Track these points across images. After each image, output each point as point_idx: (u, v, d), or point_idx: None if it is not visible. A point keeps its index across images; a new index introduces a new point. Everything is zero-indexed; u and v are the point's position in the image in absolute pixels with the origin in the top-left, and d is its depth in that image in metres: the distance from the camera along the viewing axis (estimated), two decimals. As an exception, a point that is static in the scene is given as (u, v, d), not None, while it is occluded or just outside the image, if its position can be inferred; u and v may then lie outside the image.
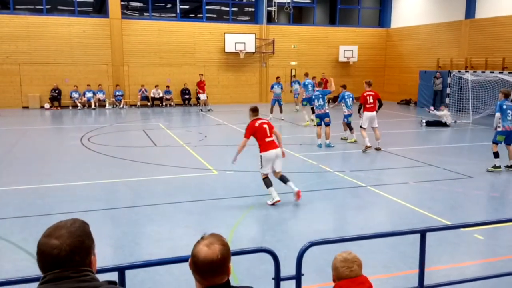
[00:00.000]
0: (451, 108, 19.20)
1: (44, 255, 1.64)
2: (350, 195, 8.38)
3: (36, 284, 1.72)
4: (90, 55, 22.82)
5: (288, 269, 3.82)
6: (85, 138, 13.91)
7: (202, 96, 22.34)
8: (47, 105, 22.10)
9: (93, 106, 22.48)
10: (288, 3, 24.46)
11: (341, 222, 7.25)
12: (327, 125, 12.72)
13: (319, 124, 12.86)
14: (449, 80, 19.55)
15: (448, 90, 19.36)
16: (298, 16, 27.82)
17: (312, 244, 3.45)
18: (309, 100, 16.31)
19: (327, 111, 12.81)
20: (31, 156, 11.55)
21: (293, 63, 26.61)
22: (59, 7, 23.52)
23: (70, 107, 22.40)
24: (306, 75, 19.50)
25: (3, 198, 7.92)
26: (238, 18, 26.67)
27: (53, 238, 1.65)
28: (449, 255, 5.80)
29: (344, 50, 26.77)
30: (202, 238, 1.92)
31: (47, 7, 22.65)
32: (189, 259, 1.90)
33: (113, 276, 2.73)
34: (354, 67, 27.50)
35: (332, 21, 28.09)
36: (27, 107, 22.11)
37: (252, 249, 4.04)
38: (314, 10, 27.22)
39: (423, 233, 3.87)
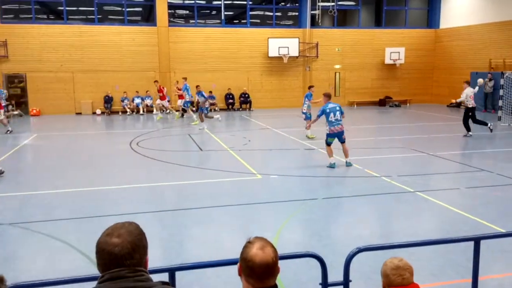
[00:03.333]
0: (505, 111, 18.35)
1: (105, 253, 1.72)
2: (397, 201, 8.18)
3: (92, 283, 1.80)
4: (139, 63, 23.57)
5: (334, 275, 3.78)
6: (134, 142, 14.36)
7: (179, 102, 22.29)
8: (98, 111, 23.00)
9: (141, 112, 23.19)
10: (332, 6, 24.28)
11: (388, 228, 7.09)
12: (343, 142, 10.64)
13: (329, 144, 10.55)
14: (502, 81, 18.71)
15: (501, 92, 18.51)
16: (342, 18, 27.52)
17: (360, 250, 3.40)
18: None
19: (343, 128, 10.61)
20: (84, 160, 12.05)
21: (337, 66, 26.35)
22: (109, 17, 24.47)
23: (120, 113, 23.22)
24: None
25: (57, 200, 8.30)
26: (281, 23, 26.73)
27: (114, 237, 1.73)
28: (503, 264, 5.55)
29: (391, 52, 26.22)
30: (250, 242, 1.96)
31: (98, 16, 23.63)
32: (240, 264, 1.94)
33: (163, 277, 2.81)
34: (401, 69, 26.87)
35: (377, 23, 27.58)
36: (80, 113, 23.10)
37: (299, 253, 4.03)
38: (359, 13, 26.85)
39: (477, 240, 3.73)
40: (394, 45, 26.39)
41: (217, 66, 24.68)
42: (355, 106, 26.54)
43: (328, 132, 10.46)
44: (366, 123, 19.91)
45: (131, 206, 7.83)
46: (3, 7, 22.53)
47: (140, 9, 25.66)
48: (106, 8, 24.25)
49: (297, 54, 25.00)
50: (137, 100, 23.40)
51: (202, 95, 17.96)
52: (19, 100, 22.86)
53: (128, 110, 23.09)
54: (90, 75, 23.08)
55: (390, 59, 26.29)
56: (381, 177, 9.60)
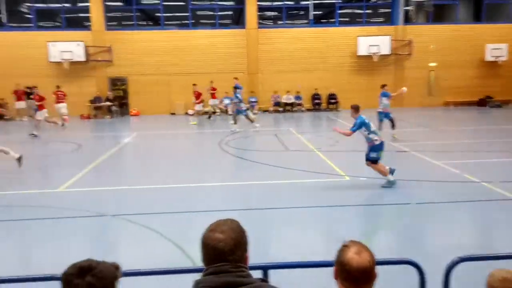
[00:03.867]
0: None
1: (209, 248, 1.81)
2: (500, 209, 7.56)
3: (189, 275, 1.90)
4: (228, 65, 24.31)
5: (431, 284, 3.60)
6: (223, 142, 14.85)
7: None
8: (190, 111, 24.11)
9: (229, 112, 23.87)
10: (428, 0, 23.09)
11: (489, 237, 6.58)
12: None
13: (378, 160, 8.76)
14: None
15: None
16: (438, 14, 26.05)
17: (462, 260, 3.20)
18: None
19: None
20: (177, 157, 12.71)
21: (432, 64, 25.00)
22: (201, 21, 25.55)
23: (209, 113, 24.12)
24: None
25: (154, 194, 8.84)
26: (371, 20, 25.99)
27: (217, 233, 1.82)
28: None
29: (492, 49, 24.32)
30: (346, 245, 1.94)
31: (192, 21, 24.77)
32: (336, 267, 1.93)
33: (255, 275, 2.87)
34: (504, 67, 24.80)
35: (476, 18, 25.72)
36: (174, 114, 24.38)
37: (395, 260, 3.89)
38: (457, 7, 25.24)
39: None
40: (496, 41, 24.45)
41: (305, 67, 24.65)
42: (452, 106, 24.99)
43: (375, 145, 8.65)
44: (464, 125, 18.66)
45: (219, 203, 8.10)
46: (108, 15, 24.50)
47: (230, 12, 26.46)
48: (199, 13, 25.35)
49: (388, 52, 24.15)
50: (226, 101, 24.13)
51: (237, 97, 17.80)
52: (121, 102, 24.71)
53: (218, 110, 23.91)
54: (183, 77, 24.27)
55: (491, 56, 24.39)
56: (481, 183, 8.94)
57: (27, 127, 20.59)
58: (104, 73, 24.46)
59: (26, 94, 23.23)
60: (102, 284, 1.61)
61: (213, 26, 24.94)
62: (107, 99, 23.90)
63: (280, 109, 24.42)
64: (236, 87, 17.62)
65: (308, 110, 24.53)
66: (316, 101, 24.72)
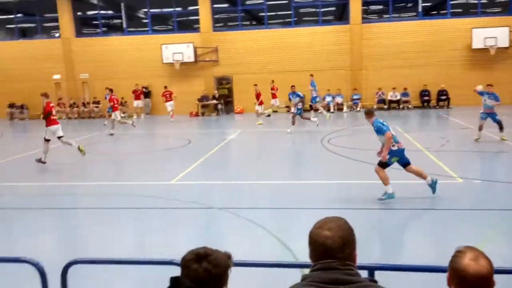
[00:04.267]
0: None
1: (317, 244, 1.85)
2: None
3: (293, 269, 1.95)
4: (330, 61, 24.04)
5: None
6: (325, 140, 14.76)
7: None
8: (293, 109, 24.27)
9: (331, 110, 23.63)
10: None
11: None
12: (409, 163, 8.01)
13: (390, 164, 7.88)
14: None
15: None
16: None
17: None
18: None
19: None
20: (281, 155, 12.93)
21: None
22: (304, 18, 25.59)
23: (312, 111, 24.07)
24: None
25: (258, 190, 9.11)
26: (487, 11, 23.89)
27: (325, 230, 1.84)
28: None
29: None
30: (461, 251, 1.86)
31: (294, 19, 24.94)
32: (449, 273, 1.86)
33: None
34: None
35: None
36: (276, 111, 24.77)
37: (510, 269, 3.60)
38: None
39: None
40: None
41: (412, 62, 23.47)
42: None
43: (396, 149, 7.79)
44: None
45: (320, 201, 8.08)
46: (215, 17, 25.66)
47: (333, 8, 26.13)
48: (301, 10, 25.42)
49: (507, 45, 22.05)
50: (328, 98, 23.91)
51: (298, 95, 17.25)
52: (226, 100, 25.75)
53: (320, 108, 23.77)
54: (286, 75, 24.53)
55: None
56: None
57: (145, 123, 22.45)
58: (210, 73, 25.67)
59: (144, 93, 25.32)
60: (216, 271, 1.74)
61: (315, 23, 24.85)
62: (213, 98, 25.07)
63: (385, 106, 23.57)
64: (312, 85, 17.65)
65: (416, 107, 23.34)
66: (425, 98, 23.43)
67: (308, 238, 1.91)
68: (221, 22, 26.45)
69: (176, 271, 1.84)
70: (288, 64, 24.44)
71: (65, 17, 25.76)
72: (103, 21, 26.94)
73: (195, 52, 24.91)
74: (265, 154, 13.03)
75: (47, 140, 11.87)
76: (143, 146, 16.24)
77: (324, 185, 9.29)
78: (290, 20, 25.02)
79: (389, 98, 23.60)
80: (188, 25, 27.32)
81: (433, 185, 7.68)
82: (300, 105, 17.30)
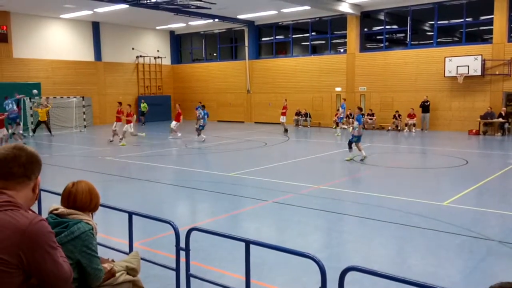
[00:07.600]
0: None
1: None
2: None
3: None
4: None
5: None
6: None
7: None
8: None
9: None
10: None
11: None
12: None
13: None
14: None
15: None
16: None
17: None
18: None
19: None
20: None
21: None
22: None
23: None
24: None
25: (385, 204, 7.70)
26: None
27: None
28: None
29: None
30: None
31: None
32: None
33: None
34: None
35: None
36: None
37: None
38: None
39: None
40: None
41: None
42: None
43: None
44: None
45: None
46: (511, 26, 22.78)
47: None
48: None
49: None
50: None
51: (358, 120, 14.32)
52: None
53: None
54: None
55: None
56: None
57: (420, 137, 21.92)
58: (499, 87, 22.97)
59: (423, 107, 24.53)
60: None
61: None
62: (500, 115, 22.32)
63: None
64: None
65: None
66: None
67: None
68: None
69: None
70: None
71: (353, 34, 27.52)
72: (387, 35, 27.60)
73: (483, 64, 22.76)
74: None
75: None
76: (416, 161, 15.89)
77: None
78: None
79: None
80: (478, 36, 25.15)
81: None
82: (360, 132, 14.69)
